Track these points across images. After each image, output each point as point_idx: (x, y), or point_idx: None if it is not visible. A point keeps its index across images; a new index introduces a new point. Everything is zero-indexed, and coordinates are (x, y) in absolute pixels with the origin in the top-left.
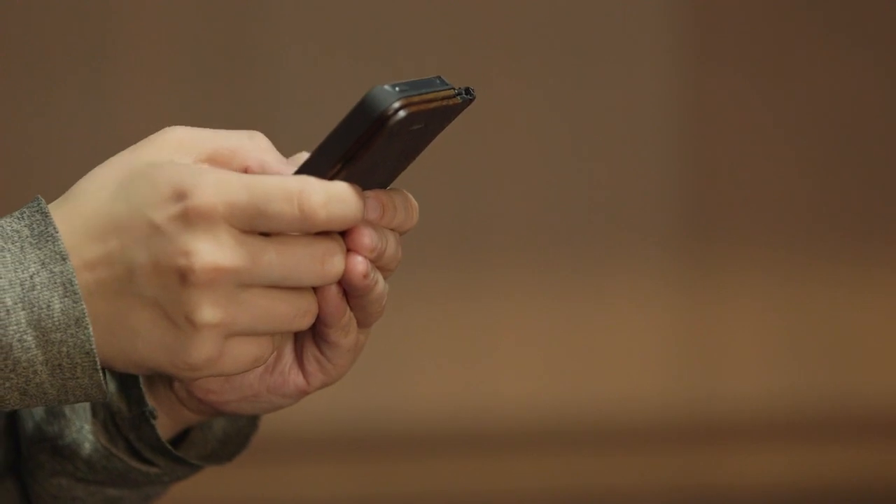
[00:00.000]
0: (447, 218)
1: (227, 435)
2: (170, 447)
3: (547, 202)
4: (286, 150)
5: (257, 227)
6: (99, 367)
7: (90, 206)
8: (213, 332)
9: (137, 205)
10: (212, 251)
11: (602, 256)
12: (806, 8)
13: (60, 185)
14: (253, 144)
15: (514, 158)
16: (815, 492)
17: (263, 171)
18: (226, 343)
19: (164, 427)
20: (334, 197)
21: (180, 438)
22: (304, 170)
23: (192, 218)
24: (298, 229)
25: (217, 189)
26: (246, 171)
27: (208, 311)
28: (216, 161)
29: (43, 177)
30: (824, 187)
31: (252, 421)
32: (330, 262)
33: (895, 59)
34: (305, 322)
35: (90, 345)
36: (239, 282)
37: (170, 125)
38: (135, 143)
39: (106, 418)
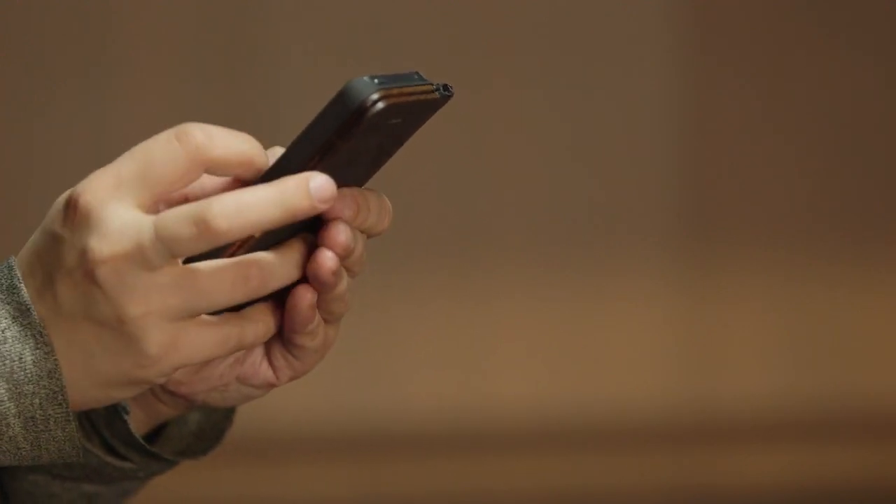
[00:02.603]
0: (447, 218)
1: (202, 429)
2: (143, 442)
3: (546, 202)
4: None
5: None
6: (72, 418)
7: (27, 246)
8: (149, 320)
9: (45, 226)
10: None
11: (602, 256)
12: (806, 9)
13: (60, 186)
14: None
15: (514, 158)
16: (815, 492)
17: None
18: (177, 328)
19: (140, 422)
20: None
21: (156, 434)
22: (280, 163)
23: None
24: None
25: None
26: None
27: (130, 306)
28: (172, 200)
29: (43, 177)
30: (824, 187)
31: (227, 415)
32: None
33: (895, 60)
34: (262, 332)
35: (63, 396)
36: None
37: (170, 125)
38: (134, 143)
39: (80, 414)
